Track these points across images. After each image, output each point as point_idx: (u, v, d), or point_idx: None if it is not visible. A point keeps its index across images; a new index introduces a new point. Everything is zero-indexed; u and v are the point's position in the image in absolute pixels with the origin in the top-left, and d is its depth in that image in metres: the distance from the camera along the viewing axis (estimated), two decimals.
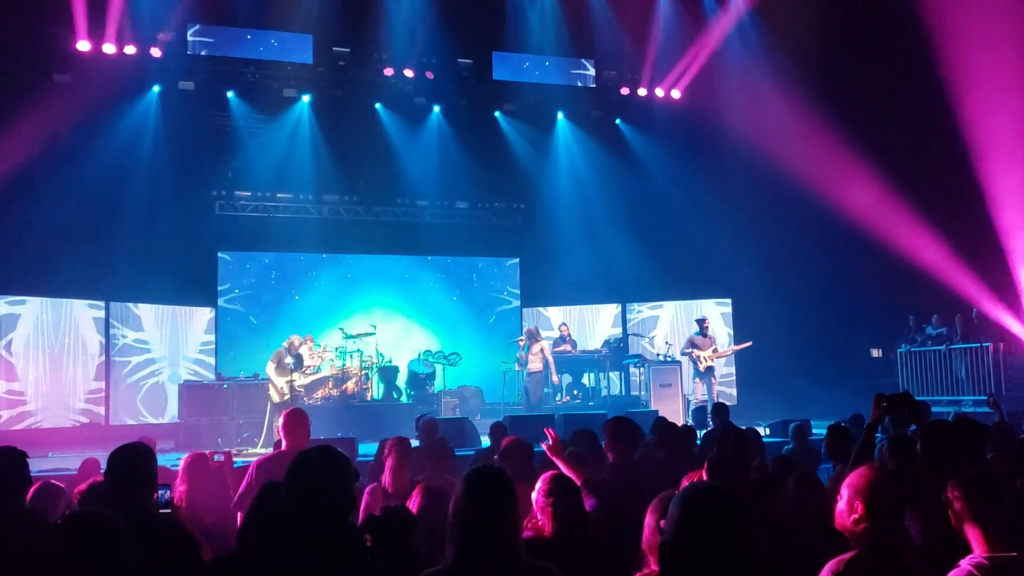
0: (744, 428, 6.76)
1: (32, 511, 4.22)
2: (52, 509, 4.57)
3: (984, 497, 2.97)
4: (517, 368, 15.48)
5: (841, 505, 2.86)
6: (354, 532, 2.54)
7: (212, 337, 15.77)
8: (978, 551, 2.92)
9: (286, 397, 11.96)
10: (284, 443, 4.99)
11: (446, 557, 2.46)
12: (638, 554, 3.21)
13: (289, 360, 12.30)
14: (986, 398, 12.74)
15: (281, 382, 12.06)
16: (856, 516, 2.79)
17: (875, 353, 16.59)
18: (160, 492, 3.76)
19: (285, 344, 12.52)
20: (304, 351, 12.78)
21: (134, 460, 3.53)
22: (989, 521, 2.94)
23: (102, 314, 14.33)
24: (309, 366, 12.91)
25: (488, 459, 6.75)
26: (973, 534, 2.95)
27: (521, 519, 2.50)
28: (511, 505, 2.48)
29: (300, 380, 12.40)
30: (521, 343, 14.29)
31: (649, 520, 3.07)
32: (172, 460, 9.10)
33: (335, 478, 2.63)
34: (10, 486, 3.89)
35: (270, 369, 12.24)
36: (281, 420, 5.05)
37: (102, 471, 6.92)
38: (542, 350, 14.00)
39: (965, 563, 2.88)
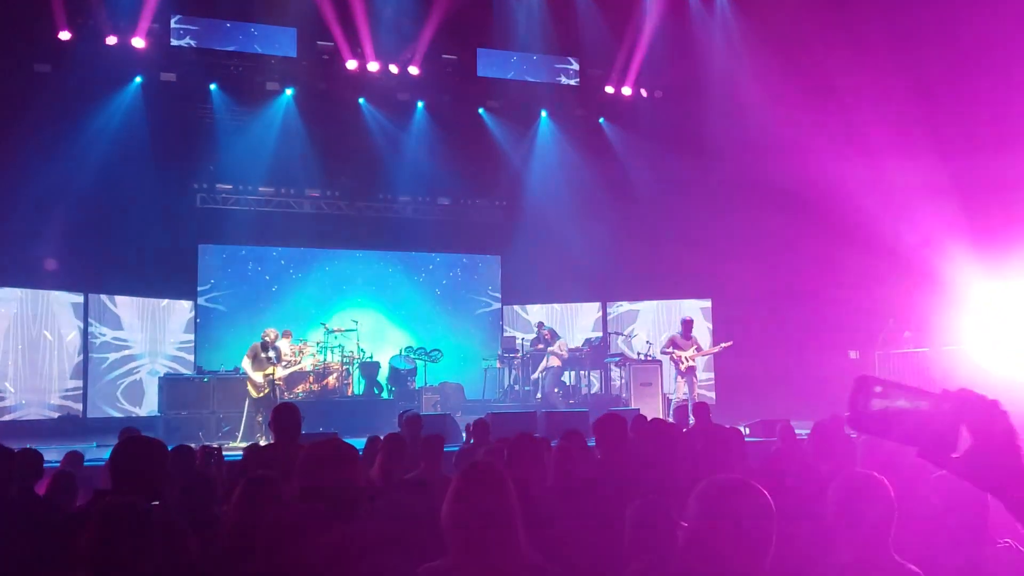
0: (728, 427, 6.79)
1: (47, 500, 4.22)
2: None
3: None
4: (499, 365, 15.54)
5: None
6: (365, 522, 2.53)
7: (191, 332, 15.68)
8: None
9: (264, 392, 11.82)
10: (274, 437, 4.98)
11: (445, 554, 2.45)
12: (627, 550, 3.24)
13: (268, 354, 12.16)
14: None
15: (257, 376, 11.88)
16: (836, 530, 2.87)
17: (852, 355, 16.70)
18: None
19: (261, 338, 12.39)
20: (283, 344, 12.68)
21: (138, 454, 3.49)
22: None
23: (80, 305, 14.22)
24: (288, 361, 12.78)
25: (472, 455, 6.76)
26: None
27: (518, 512, 2.49)
28: (507, 499, 2.47)
29: (278, 372, 12.23)
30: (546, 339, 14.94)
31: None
32: None
33: (348, 468, 2.63)
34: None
35: (246, 364, 12.03)
36: (271, 415, 5.04)
37: (84, 463, 6.92)
38: (560, 348, 14.78)
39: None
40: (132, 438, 3.64)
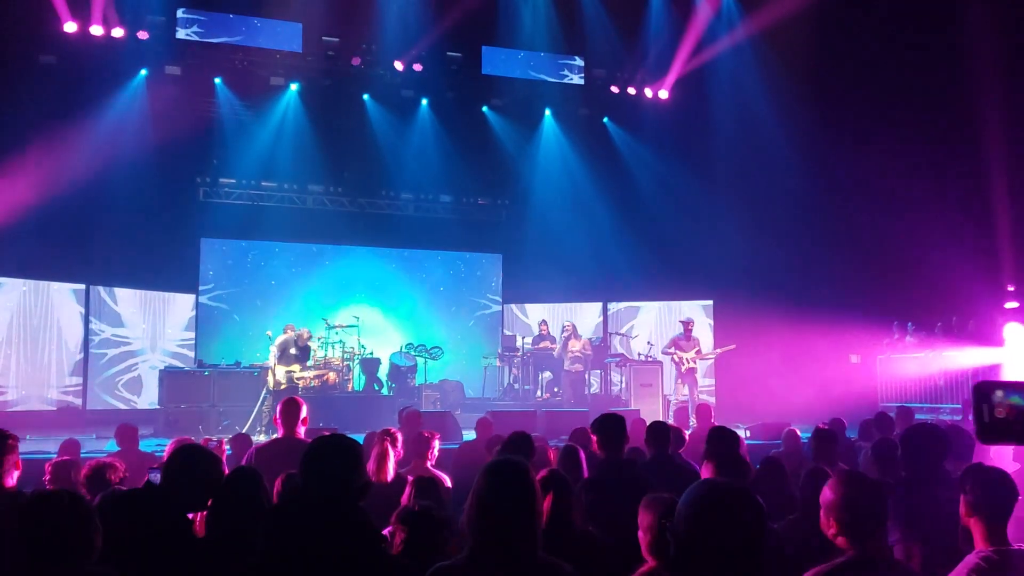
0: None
1: (13, 491, 4.18)
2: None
3: (992, 491, 3.02)
4: (499, 364, 15.50)
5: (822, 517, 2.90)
6: (369, 518, 2.51)
7: (193, 326, 15.68)
8: (982, 544, 2.96)
9: (283, 386, 11.95)
10: (279, 430, 4.98)
11: (464, 550, 2.42)
12: (631, 551, 3.22)
13: (294, 351, 12.28)
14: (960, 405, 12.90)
15: (280, 372, 12.05)
16: (832, 531, 2.84)
17: (854, 359, 16.68)
18: (151, 475, 3.72)
19: (294, 335, 12.50)
20: (312, 344, 12.81)
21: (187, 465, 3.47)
22: (995, 515, 2.98)
23: (82, 297, 14.22)
24: (316, 364, 12.92)
25: (473, 453, 6.76)
26: (977, 528, 3.00)
27: (543, 512, 2.46)
28: (533, 498, 2.43)
29: (300, 372, 12.36)
30: (565, 333, 14.47)
31: (644, 519, 3.08)
32: (152, 446, 9.06)
33: (350, 463, 2.61)
34: None
35: (272, 356, 12.22)
36: (278, 408, 5.04)
37: (82, 453, 6.91)
38: (583, 347, 14.31)
39: (972, 556, 2.92)
40: (186, 446, 3.66)
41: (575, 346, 14.28)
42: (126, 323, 14.85)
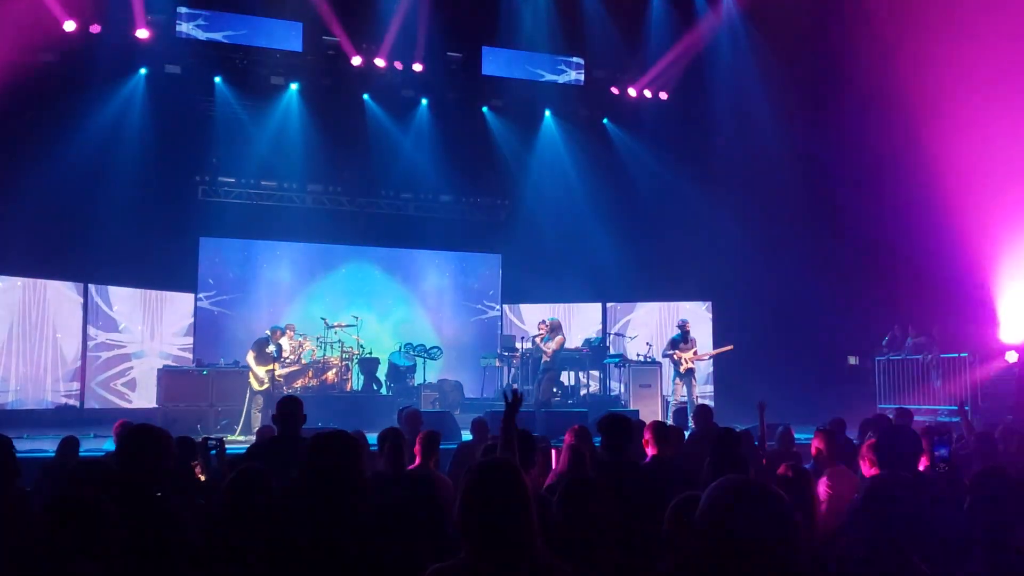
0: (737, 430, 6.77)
1: (24, 495, 4.17)
2: None
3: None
4: (498, 364, 15.47)
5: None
6: (368, 512, 2.50)
7: (191, 324, 15.66)
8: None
9: (265, 386, 12.00)
10: (277, 429, 4.99)
11: (460, 553, 2.40)
12: (637, 552, 3.21)
13: (271, 349, 12.31)
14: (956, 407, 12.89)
15: (261, 371, 12.08)
16: None
17: (852, 361, 16.68)
18: None
19: (267, 333, 12.55)
20: (284, 342, 12.79)
21: (143, 445, 3.42)
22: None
23: (80, 296, 14.21)
24: (288, 357, 12.92)
25: (472, 453, 6.74)
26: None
27: (535, 511, 2.42)
28: (525, 496, 2.40)
29: (279, 371, 12.42)
30: (541, 335, 13.57)
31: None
32: None
33: (352, 458, 2.60)
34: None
35: (250, 358, 12.27)
36: (276, 406, 5.06)
37: (80, 452, 6.89)
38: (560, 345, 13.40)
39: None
40: (139, 427, 3.59)
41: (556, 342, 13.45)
42: (125, 324, 14.82)
